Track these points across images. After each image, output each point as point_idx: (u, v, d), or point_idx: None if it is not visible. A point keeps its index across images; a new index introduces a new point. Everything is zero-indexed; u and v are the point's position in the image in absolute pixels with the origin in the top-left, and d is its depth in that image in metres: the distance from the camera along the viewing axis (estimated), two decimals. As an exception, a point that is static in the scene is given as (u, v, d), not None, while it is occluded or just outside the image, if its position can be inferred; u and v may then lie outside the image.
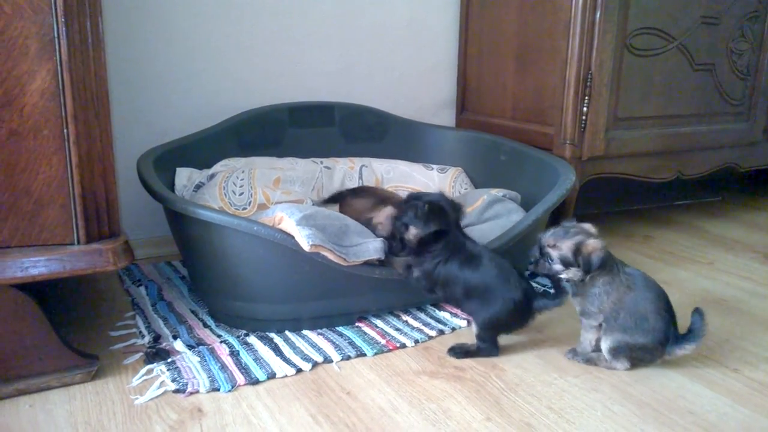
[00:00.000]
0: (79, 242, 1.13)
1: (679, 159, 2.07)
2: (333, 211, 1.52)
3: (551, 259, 1.23)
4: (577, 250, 1.21)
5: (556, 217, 1.88)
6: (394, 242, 1.33)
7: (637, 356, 1.23)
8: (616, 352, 1.23)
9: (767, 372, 1.26)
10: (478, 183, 1.99)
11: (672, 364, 1.27)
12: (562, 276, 1.24)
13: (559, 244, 1.23)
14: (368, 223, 1.49)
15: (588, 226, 1.28)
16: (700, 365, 1.28)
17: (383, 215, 1.50)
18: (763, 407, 1.13)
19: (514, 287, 1.27)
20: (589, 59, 1.77)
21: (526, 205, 1.67)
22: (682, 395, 1.17)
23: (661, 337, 1.21)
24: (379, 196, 1.70)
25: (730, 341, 1.38)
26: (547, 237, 1.25)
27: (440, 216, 1.27)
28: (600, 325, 1.25)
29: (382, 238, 1.37)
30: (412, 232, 1.27)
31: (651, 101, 1.94)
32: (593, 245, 1.22)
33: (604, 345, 1.24)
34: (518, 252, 1.54)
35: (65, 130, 1.08)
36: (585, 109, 1.80)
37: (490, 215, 1.65)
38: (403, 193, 1.84)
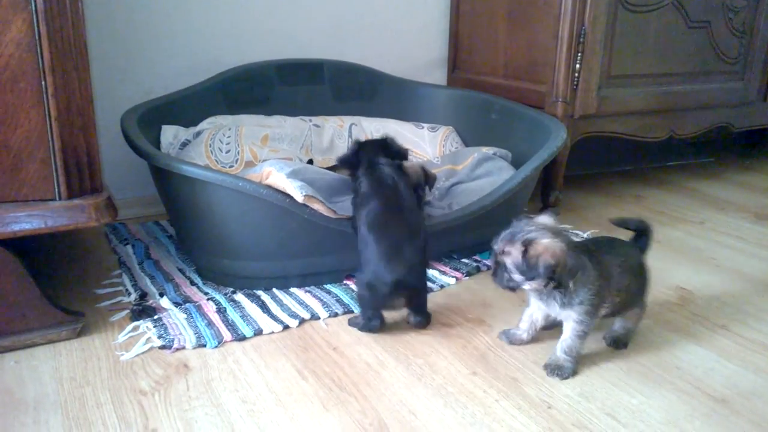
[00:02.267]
0: (60, 198, 1.11)
1: (673, 118, 2.05)
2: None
3: (506, 269, 1.03)
4: (525, 251, 1.01)
5: (547, 176, 1.87)
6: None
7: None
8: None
9: (754, 329, 1.26)
10: (469, 141, 1.97)
11: (660, 321, 1.28)
12: (526, 288, 1.05)
13: (508, 249, 1.02)
14: None
15: (546, 219, 1.08)
16: (688, 322, 1.28)
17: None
18: (749, 362, 1.14)
19: (393, 260, 1.14)
20: (583, 15, 1.74)
21: (518, 163, 1.65)
22: (669, 351, 1.17)
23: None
24: None
25: (719, 298, 1.38)
26: (498, 242, 1.05)
27: (358, 153, 1.29)
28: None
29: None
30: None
31: (645, 59, 1.92)
32: (544, 246, 1.00)
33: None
34: (508, 210, 1.53)
35: (43, 83, 1.05)
36: (578, 66, 1.77)
37: (481, 173, 1.63)
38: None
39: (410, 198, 1.24)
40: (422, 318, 1.22)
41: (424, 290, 1.22)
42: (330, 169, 1.59)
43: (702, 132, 2.16)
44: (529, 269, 1.00)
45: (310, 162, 1.69)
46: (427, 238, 1.21)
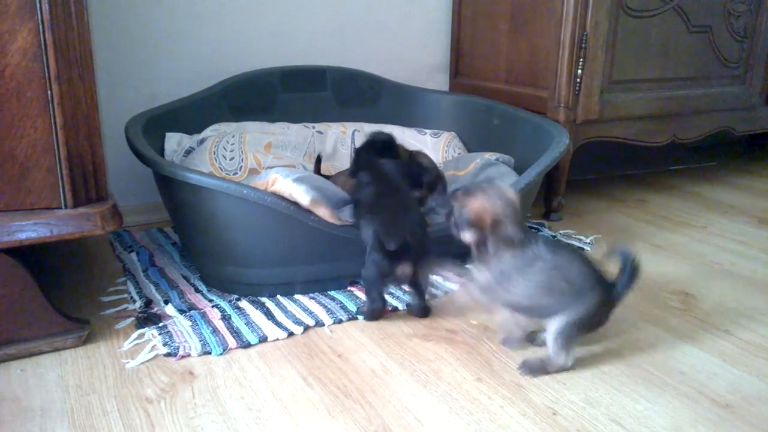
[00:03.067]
0: (66, 206, 1.11)
1: (675, 123, 2.06)
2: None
3: (452, 215, 1.08)
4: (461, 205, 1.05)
5: (549, 181, 1.88)
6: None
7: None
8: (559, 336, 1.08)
9: (758, 333, 1.26)
10: (472, 147, 1.98)
11: (664, 325, 1.28)
12: (466, 241, 1.07)
13: (459, 198, 1.07)
14: None
15: (509, 190, 1.11)
16: (692, 327, 1.28)
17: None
18: (752, 367, 1.14)
19: (393, 226, 1.19)
20: (584, 20, 1.74)
21: (520, 169, 1.65)
22: (673, 356, 1.17)
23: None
24: None
25: (722, 303, 1.39)
26: (458, 190, 1.09)
27: (366, 151, 1.36)
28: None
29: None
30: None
31: (646, 64, 1.92)
32: (476, 201, 1.04)
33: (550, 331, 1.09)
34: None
35: (49, 92, 1.06)
36: (579, 71, 1.78)
37: (483, 179, 1.63)
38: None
39: (407, 188, 1.33)
40: (422, 302, 1.27)
41: (426, 259, 1.23)
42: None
43: (704, 136, 2.17)
44: (458, 219, 1.06)
45: (319, 159, 1.69)
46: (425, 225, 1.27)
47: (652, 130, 2.01)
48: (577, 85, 1.79)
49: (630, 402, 1.03)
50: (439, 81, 2.30)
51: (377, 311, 1.27)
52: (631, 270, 1.08)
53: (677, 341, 1.22)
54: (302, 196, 1.22)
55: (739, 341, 1.23)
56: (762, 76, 2.24)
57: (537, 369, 1.10)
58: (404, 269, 1.21)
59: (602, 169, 2.48)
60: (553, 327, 1.07)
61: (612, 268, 1.10)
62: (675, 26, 1.94)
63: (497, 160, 1.71)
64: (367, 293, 1.28)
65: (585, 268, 1.06)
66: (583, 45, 1.76)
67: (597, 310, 1.07)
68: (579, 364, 1.13)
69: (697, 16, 1.97)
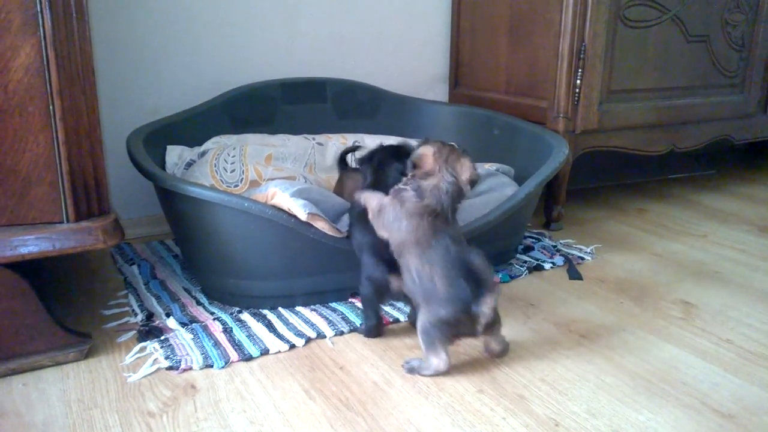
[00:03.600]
0: (68, 220, 1.12)
1: (673, 132, 2.06)
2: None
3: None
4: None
5: (549, 191, 1.88)
6: None
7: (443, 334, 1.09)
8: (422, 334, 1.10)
9: (759, 342, 1.26)
10: (471, 158, 1.98)
11: (664, 335, 1.28)
12: None
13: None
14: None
15: (465, 154, 1.19)
16: (693, 336, 1.28)
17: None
18: (754, 376, 1.14)
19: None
20: (583, 31, 1.75)
21: (520, 179, 1.66)
22: (675, 366, 1.17)
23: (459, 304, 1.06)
24: None
25: (723, 312, 1.39)
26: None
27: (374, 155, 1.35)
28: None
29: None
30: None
31: (645, 73, 1.93)
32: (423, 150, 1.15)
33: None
34: (512, 226, 1.54)
35: (51, 107, 1.07)
36: (578, 81, 1.78)
37: (483, 189, 1.64)
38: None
39: None
40: None
41: None
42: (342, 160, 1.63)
43: (703, 145, 2.17)
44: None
45: (348, 151, 1.69)
46: None
47: (650, 140, 2.01)
48: (576, 95, 1.79)
49: (632, 413, 1.03)
50: (440, 92, 2.31)
51: (373, 328, 1.26)
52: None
53: (679, 351, 1.22)
54: (299, 211, 1.23)
55: (741, 350, 1.23)
56: (760, 85, 2.25)
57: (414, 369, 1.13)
58: (399, 281, 1.19)
59: (602, 178, 2.48)
60: (419, 322, 1.11)
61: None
62: (673, 36, 1.95)
63: (497, 170, 1.71)
64: (363, 311, 1.27)
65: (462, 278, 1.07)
66: (582, 56, 1.77)
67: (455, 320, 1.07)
68: (581, 375, 1.13)
69: (694, 26, 1.99)
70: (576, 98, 1.80)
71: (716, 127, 2.19)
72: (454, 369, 1.15)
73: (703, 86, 2.10)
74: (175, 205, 1.37)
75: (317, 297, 1.39)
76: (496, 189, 1.63)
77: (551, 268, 1.60)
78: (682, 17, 1.95)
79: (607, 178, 2.49)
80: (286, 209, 1.24)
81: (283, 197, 1.24)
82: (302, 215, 1.23)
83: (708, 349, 1.24)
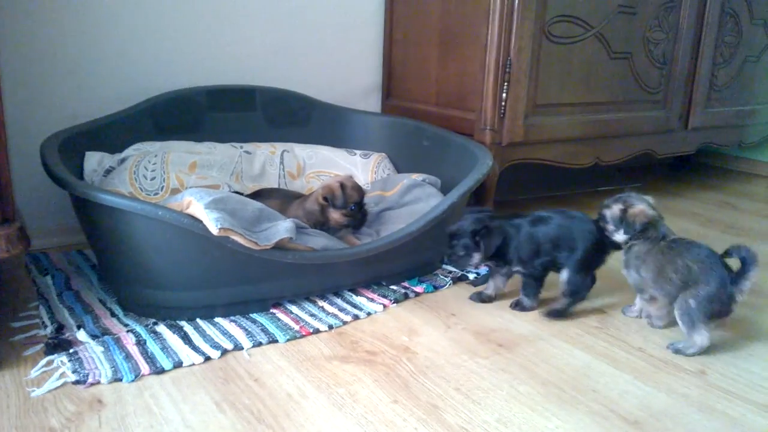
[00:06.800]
0: (-32, 228, 1.07)
1: (598, 146, 2.12)
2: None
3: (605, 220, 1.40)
4: (624, 210, 1.37)
5: (477, 202, 1.90)
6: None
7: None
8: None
9: (669, 350, 1.30)
10: (401, 168, 1.99)
11: (579, 343, 1.30)
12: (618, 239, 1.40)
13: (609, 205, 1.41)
14: None
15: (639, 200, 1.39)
16: (605, 345, 1.31)
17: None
18: (662, 383, 1.17)
19: None
20: (508, 46, 1.79)
21: (448, 189, 1.67)
22: (587, 374, 1.20)
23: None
24: (289, 195, 1.68)
25: (637, 322, 1.43)
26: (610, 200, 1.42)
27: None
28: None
29: (291, 219, 1.37)
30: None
31: (569, 88, 1.98)
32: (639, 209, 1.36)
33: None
34: (436, 236, 1.54)
35: (-51, 110, 1.02)
36: (504, 95, 1.82)
37: (410, 199, 1.65)
38: (325, 179, 1.82)
39: None
40: None
41: None
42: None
43: (626, 159, 2.24)
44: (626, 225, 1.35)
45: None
46: None
47: (575, 153, 2.06)
48: (502, 108, 1.82)
49: (542, 421, 1.05)
50: (372, 102, 2.32)
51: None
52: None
53: (591, 359, 1.25)
54: (211, 225, 1.20)
55: (651, 358, 1.27)
56: (680, 101, 2.34)
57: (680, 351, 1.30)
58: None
59: (530, 190, 2.53)
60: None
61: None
62: (596, 53, 2.01)
63: (424, 180, 1.73)
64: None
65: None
66: (508, 70, 1.80)
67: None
68: (495, 384, 1.15)
69: (617, 43, 2.05)
70: (502, 111, 1.83)
71: (639, 141, 2.26)
72: (370, 379, 1.15)
73: (626, 101, 2.16)
74: (89, 213, 1.32)
75: (239, 307, 1.36)
76: (421, 199, 1.64)
77: (475, 278, 1.62)
78: (605, 34, 2.01)
79: (536, 191, 2.54)
80: (201, 219, 1.22)
81: (197, 207, 1.22)
82: (214, 230, 1.20)
83: (620, 357, 1.27)
